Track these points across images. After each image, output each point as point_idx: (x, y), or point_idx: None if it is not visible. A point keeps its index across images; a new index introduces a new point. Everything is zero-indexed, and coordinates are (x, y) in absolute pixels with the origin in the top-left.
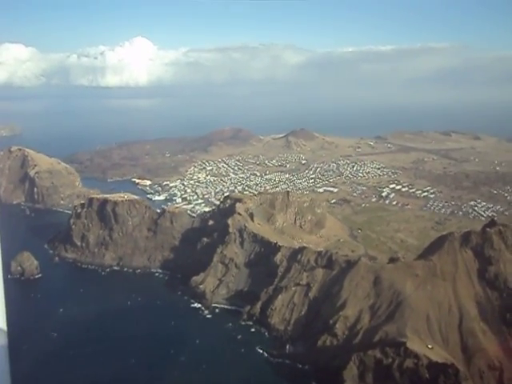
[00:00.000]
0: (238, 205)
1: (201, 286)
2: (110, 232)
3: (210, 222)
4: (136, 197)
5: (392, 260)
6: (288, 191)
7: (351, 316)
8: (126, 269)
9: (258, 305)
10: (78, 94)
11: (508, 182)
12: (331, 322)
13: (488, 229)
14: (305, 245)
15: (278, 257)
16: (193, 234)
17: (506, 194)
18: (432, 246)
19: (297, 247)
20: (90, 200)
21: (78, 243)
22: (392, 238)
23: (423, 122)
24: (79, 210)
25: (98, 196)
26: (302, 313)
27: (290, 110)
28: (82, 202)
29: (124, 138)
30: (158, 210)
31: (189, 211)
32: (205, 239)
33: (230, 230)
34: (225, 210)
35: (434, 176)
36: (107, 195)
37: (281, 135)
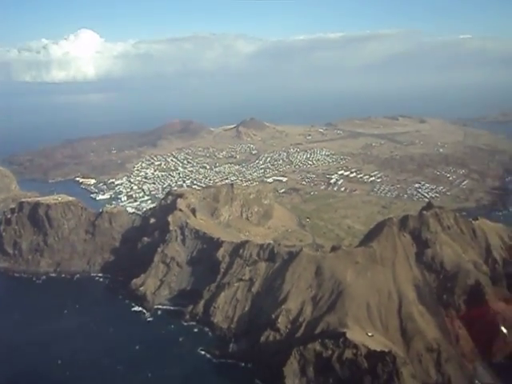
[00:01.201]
0: (179, 201)
1: (141, 289)
2: (44, 237)
3: (152, 220)
4: (71, 198)
5: (333, 248)
6: (232, 184)
7: (293, 309)
8: (63, 275)
9: (201, 303)
10: (20, 91)
11: (450, 163)
12: (273, 316)
13: (425, 212)
14: (252, 237)
15: (220, 252)
16: (134, 233)
17: (448, 175)
18: (372, 232)
19: (239, 242)
20: (21, 204)
21: (10, 251)
22: (339, 224)
23: (373, 108)
24: (9, 216)
25: (29, 199)
26: (246, 309)
27: (242, 100)
28: (12, 206)
29: (69, 136)
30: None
31: (134, 209)
32: (145, 238)
33: (171, 227)
34: (166, 207)
35: (381, 160)
36: (39, 198)
37: (232, 126)
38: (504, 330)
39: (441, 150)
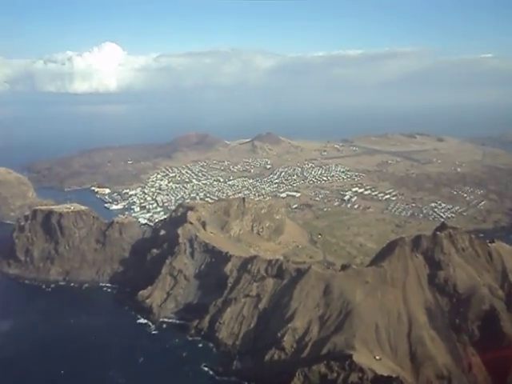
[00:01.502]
0: (189, 213)
1: (147, 301)
2: (55, 245)
3: (162, 232)
4: (83, 207)
5: (343, 267)
6: (244, 198)
7: (300, 328)
8: (72, 284)
9: (207, 318)
10: (45, 101)
11: (468, 183)
12: (279, 334)
13: (438, 232)
14: (262, 252)
15: (228, 267)
16: (143, 245)
17: (465, 195)
18: (383, 251)
19: (247, 257)
20: (34, 212)
21: (22, 258)
22: (351, 242)
23: (390, 125)
24: (23, 223)
25: (43, 207)
26: (251, 326)
27: (260, 115)
28: (26, 213)
29: (88, 146)
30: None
31: (146, 220)
32: (154, 250)
33: (180, 240)
34: (177, 219)
35: (396, 178)
36: (53, 206)
37: (247, 140)
38: None
39: (458, 169)
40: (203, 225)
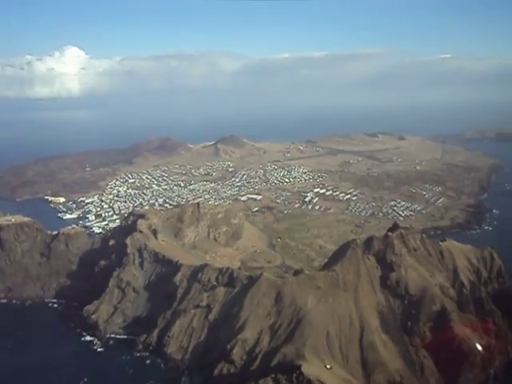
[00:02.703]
0: (139, 221)
1: (93, 316)
2: None
3: (111, 242)
4: (26, 219)
5: (296, 273)
6: (198, 203)
7: (250, 339)
8: (14, 301)
9: (155, 332)
10: (2, 107)
11: (427, 181)
12: (229, 347)
13: (390, 233)
14: (218, 259)
15: (178, 277)
16: (92, 256)
17: (424, 193)
18: (336, 254)
19: (198, 265)
20: None
21: None
22: (311, 244)
23: (355, 125)
24: None
25: None
26: (201, 338)
27: (225, 117)
28: None
29: (45, 153)
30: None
31: (101, 229)
32: (102, 262)
33: (129, 250)
34: (127, 228)
35: (357, 178)
36: None
37: (211, 143)
38: (479, 347)
39: (418, 167)
40: (154, 233)
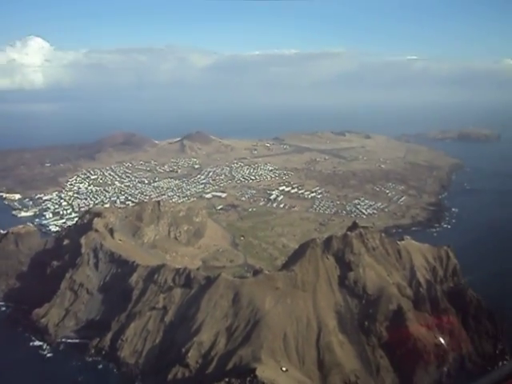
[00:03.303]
0: (96, 220)
1: (43, 320)
2: None
3: (65, 242)
4: None
5: (255, 273)
6: (159, 201)
7: (206, 341)
8: None
9: (108, 336)
10: None
11: (390, 179)
12: (184, 350)
13: (349, 232)
14: (179, 258)
15: (134, 278)
16: (44, 257)
17: (387, 191)
18: (295, 254)
19: (155, 266)
20: None
21: None
22: (274, 243)
23: (323, 123)
24: None
25: None
26: (157, 341)
27: (193, 113)
28: None
29: (3, 146)
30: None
31: (58, 228)
32: (55, 263)
33: (83, 250)
34: (82, 227)
35: (323, 176)
36: None
37: (177, 139)
38: (442, 340)
39: (382, 165)
40: (111, 232)
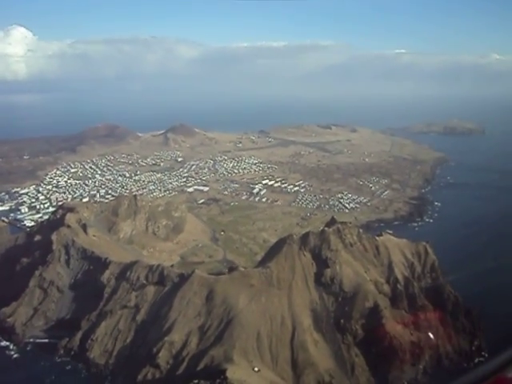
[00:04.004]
0: (68, 215)
1: (9, 319)
2: None
3: (37, 238)
4: None
5: (230, 269)
6: (135, 195)
7: (178, 341)
8: None
9: (78, 335)
10: None
11: (374, 173)
12: (155, 350)
13: (326, 228)
14: (157, 254)
15: (106, 275)
16: (14, 253)
17: (370, 185)
18: (272, 250)
19: (128, 262)
20: None
21: None
22: (255, 238)
23: (310, 116)
24: None
25: None
26: (127, 341)
27: (179, 105)
28: None
29: None
30: None
31: (34, 222)
32: (25, 260)
33: (54, 246)
34: (55, 223)
35: (307, 169)
36: None
37: (161, 132)
38: (431, 336)
39: (367, 159)
40: (84, 227)
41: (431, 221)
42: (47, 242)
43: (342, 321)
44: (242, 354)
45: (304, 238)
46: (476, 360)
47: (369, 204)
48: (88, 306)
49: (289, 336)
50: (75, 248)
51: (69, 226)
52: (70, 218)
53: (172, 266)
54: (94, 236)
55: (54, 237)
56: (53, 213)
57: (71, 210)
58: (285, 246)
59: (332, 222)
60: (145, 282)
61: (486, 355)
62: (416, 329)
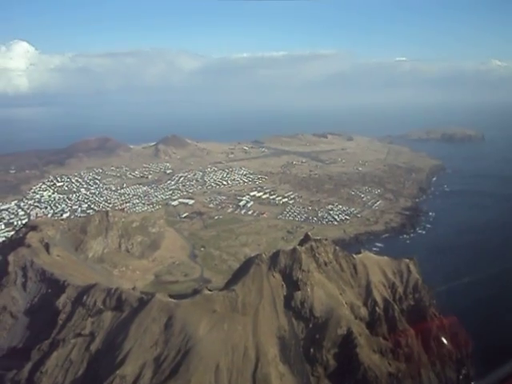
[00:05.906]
0: (30, 234)
1: None
2: None
3: None
4: None
5: (194, 292)
6: (107, 211)
7: (130, 374)
8: None
9: (27, 367)
10: None
11: (367, 182)
12: None
13: (298, 246)
14: (129, 273)
15: (62, 299)
16: None
17: (362, 195)
18: (240, 270)
19: (85, 285)
20: None
21: None
22: (236, 254)
23: (308, 126)
24: None
25: None
26: (79, 374)
27: (177, 116)
28: None
29: None
30: None
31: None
32: None
33: (10, 268)
34: (17, 242)
35: (298, 180)
36: None
37: (152, 143)
38: (444, 341)
39: (360, 168)
40: (47, 247)
41: (424, 232)
42: (4, 263)
43: (311, 350)
44: None
45: (274, 258)
46: None
47: (359, 215)
48: (42, 333)
49: (251, 368)
50: (34, 270)
51: (29, 246)
52: (32, 237)
53: (133, 288)
54: (57, 256)
55: (10, 258)
56: (16, 231)
57: (34, 228)
58: (252, 266)
59: (305, 239)
60: (102, 307)
61: None
62: (395, 358)
